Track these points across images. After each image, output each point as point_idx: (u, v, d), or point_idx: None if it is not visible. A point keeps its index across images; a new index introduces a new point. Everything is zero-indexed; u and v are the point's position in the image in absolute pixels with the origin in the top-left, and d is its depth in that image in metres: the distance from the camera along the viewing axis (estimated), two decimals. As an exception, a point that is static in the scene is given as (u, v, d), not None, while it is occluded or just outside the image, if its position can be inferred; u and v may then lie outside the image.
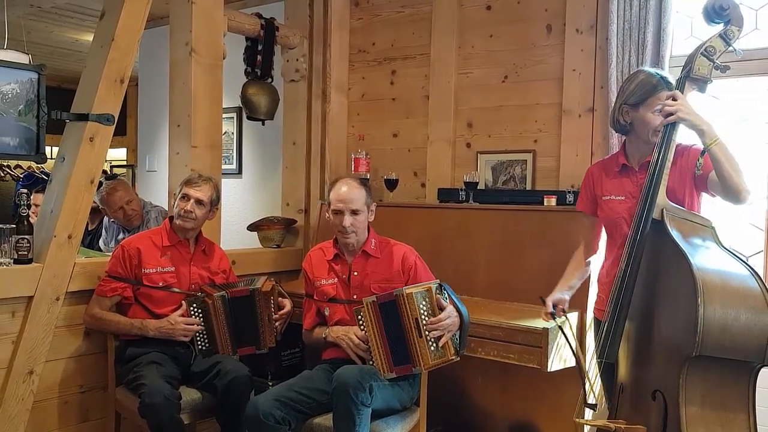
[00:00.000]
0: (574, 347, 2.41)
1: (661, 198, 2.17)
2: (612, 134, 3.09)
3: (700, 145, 2.24)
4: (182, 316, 2.78)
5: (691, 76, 2.23)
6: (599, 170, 2.55)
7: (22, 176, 7.70)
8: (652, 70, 2.39)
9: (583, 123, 3.29)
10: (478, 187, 3.47)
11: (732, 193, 2.16)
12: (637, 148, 2.41)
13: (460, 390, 3.24)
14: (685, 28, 3.15)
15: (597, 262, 2.64)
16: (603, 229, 2.58)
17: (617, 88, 3.07)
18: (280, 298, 2.92)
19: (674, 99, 2.20)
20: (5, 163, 7.82)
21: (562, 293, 2.52)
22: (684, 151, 2.32)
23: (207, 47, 3.34)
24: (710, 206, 2.41)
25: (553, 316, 2.46)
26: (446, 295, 2.54)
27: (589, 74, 3.26)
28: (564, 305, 2.49)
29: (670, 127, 2.21)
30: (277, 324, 2.87)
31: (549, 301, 2.49)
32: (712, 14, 2.24)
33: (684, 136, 2.28)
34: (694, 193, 2.33)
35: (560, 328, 2.46)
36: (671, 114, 2.17)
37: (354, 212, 2.69)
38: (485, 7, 3.62)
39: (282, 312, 2.90)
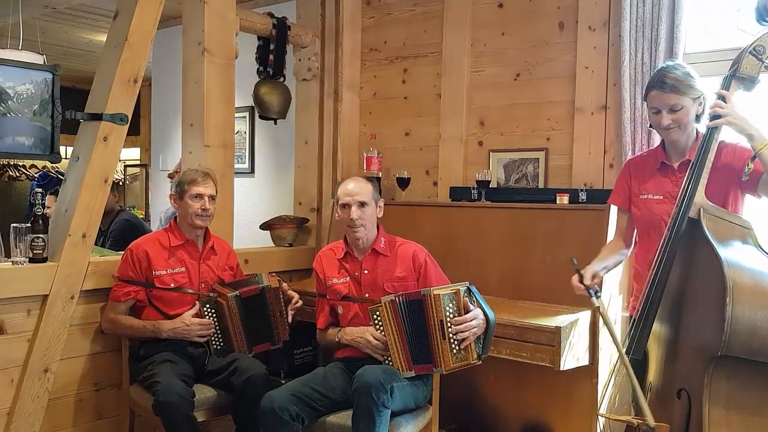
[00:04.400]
0: (610, 330, 2.24)
1: (699, 197, 2.12)
2: (625, 132, 3.07)
3: (744, 144, 2.20)
4: (195, 316, 2.79)
5: (737, 75, 2.18)
6: (637, 166, 2.49)
7: (37, 176, 7.77)
8: (661, 65, 2.38)
9: (595, 121, 3.27)
10: (491, 186, 3.46)
11: None
12: (676, 146, 2.36)
13: (472, 388, 3.24)
14: (699, 25, 3.12)
15: (628, 259, 2.61)
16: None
17: (630, 86, 3.06)
18: (285, 291, 2.92)
19: (723, 100, 2.16)
20: (20, 163, 7.89)
21: (599, 268, 2.36)
22: (725, 148, 2.26)
23: (219, 47, 3.35)
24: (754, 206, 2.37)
25: (588, 290, 2.26)
26: (474, 298, 2.51)
27: (602, 72, 3.24)
28: (599, 281, 2.34)
29: (714, 127, 2.16)
30: (289, 317, 2.88)
31: (588, 273, 2.30)
32: (764, 13, 2.19)
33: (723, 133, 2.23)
34: (738, 193, 2.27)
35: (598, 310, 2.27)
36: (719, 117, 2.14)
37: (361, 204, 2.69)
38: (497, 4, 3.61)
39: (294, 303, 2.90)
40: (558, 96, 3.41)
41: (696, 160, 2.17)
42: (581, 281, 2.29)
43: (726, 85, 2.20)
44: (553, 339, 2.60)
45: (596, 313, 2.30)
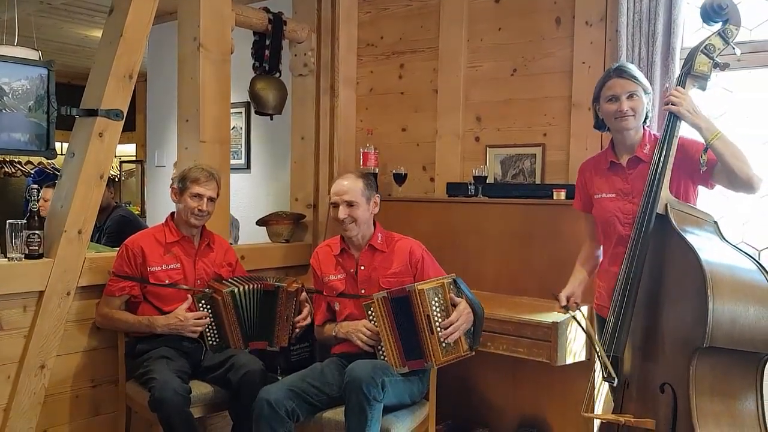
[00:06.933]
0: (585, 328, 2.42)
1: (665, 192, 2.17)
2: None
3: (690, 137, 2.26)
4: (189, 309, 2.78)
5: (692, 73, 2.24)
6: (590, 168, 2.55)
7: (33, 172, 7.76)
8: (611, 66, 2.45)
9: (592, 116, 3.26)
10: (487, 181, 3.46)
11: (742, 183, 2.17)
12: (623, 143, 2.41)
13: (469, 384, 3.24)
14: (696, 20, 3.11)
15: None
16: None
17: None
18: (303, 302, 2.91)
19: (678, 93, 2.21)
20: (16, 159, 7.89)
21: (573, 286, 2.52)
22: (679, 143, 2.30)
23: (215, 42, 3.34)
24: (715, 199, 2.40)
25: (566, 309, 2.46)
26: (461, 291, 2.52)
27: (599, 67, 3.23)
28: (577, 299, 2.50)
29: (673, 121, 2.21)
30: (296, 327, 2.87)
31: (562, 296, 2.48)
32: (711, 13, 2.24)
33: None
34: (690, 185, 2.32)
35: (574, 317, 2.46)
36: (673, 104, 2.19)
37: (349, 204, 2.68)
38: (494, -1, 3.61)
39: (301, 319, 2.88)
40: (555, 91, 3.41)
41: (659, 157, 2.20)
42: (561, 305, 2.47)
43: (682, 83, 2.25)
44: (550, 335, 2.61)
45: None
